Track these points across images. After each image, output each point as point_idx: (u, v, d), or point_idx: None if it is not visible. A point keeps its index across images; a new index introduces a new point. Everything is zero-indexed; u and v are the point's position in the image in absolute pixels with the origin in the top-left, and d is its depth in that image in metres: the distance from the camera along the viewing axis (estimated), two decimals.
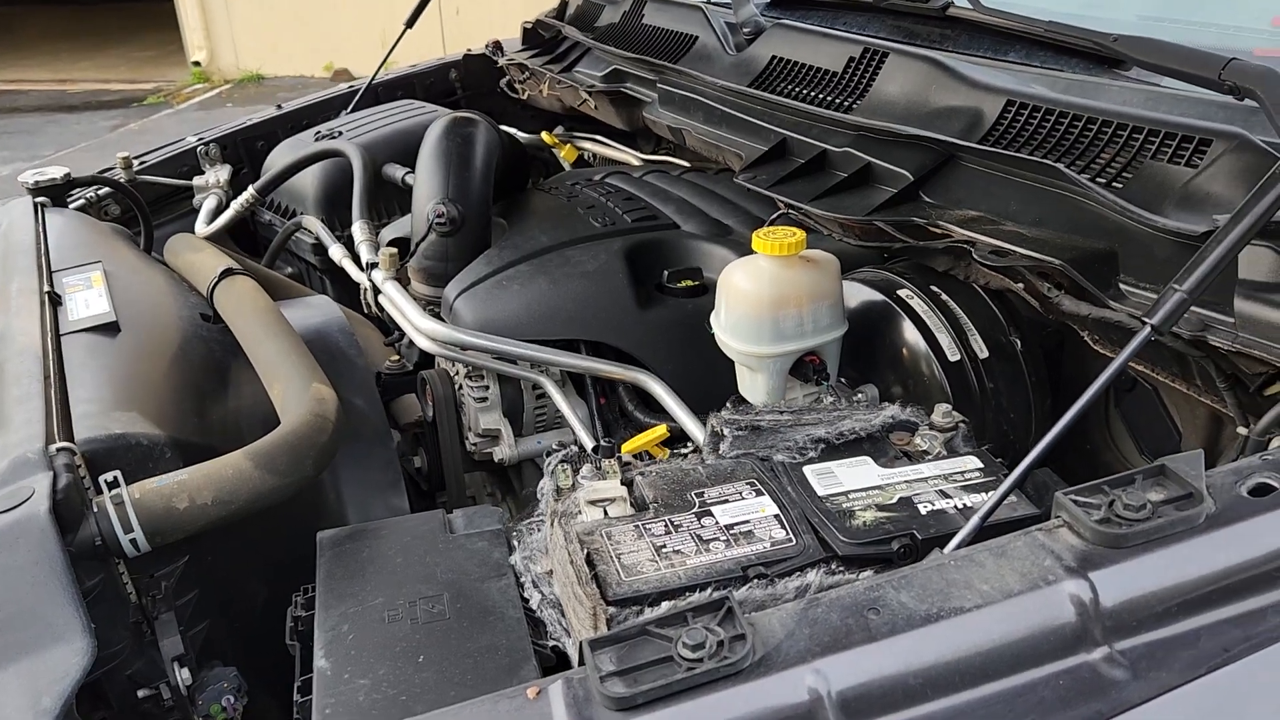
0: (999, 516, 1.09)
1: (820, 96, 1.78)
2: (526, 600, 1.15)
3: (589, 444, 1.69)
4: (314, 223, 2.21)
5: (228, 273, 1.72)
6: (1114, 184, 1.36)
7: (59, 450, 1.17)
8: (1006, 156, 1.43)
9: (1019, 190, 1.44)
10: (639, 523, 1.12)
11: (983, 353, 1.52)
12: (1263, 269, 1.19)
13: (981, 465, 1.20)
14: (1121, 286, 1.28)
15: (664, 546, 1.08)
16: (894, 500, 1.14)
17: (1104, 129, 1.41)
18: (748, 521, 1.11)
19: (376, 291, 1.83)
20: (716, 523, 1.11)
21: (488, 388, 1.78)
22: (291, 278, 2.48)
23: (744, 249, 1.88)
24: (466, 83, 3.13)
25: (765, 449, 1.23)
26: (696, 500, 1.15)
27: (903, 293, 1.56)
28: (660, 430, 1.64)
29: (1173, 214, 1.28)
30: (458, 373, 1.82)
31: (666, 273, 1.86)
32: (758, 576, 1.03)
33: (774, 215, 1.69)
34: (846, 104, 1.72)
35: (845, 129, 1.68)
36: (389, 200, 2.43)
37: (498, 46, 2.96)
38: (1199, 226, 1.24)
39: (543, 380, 1.75)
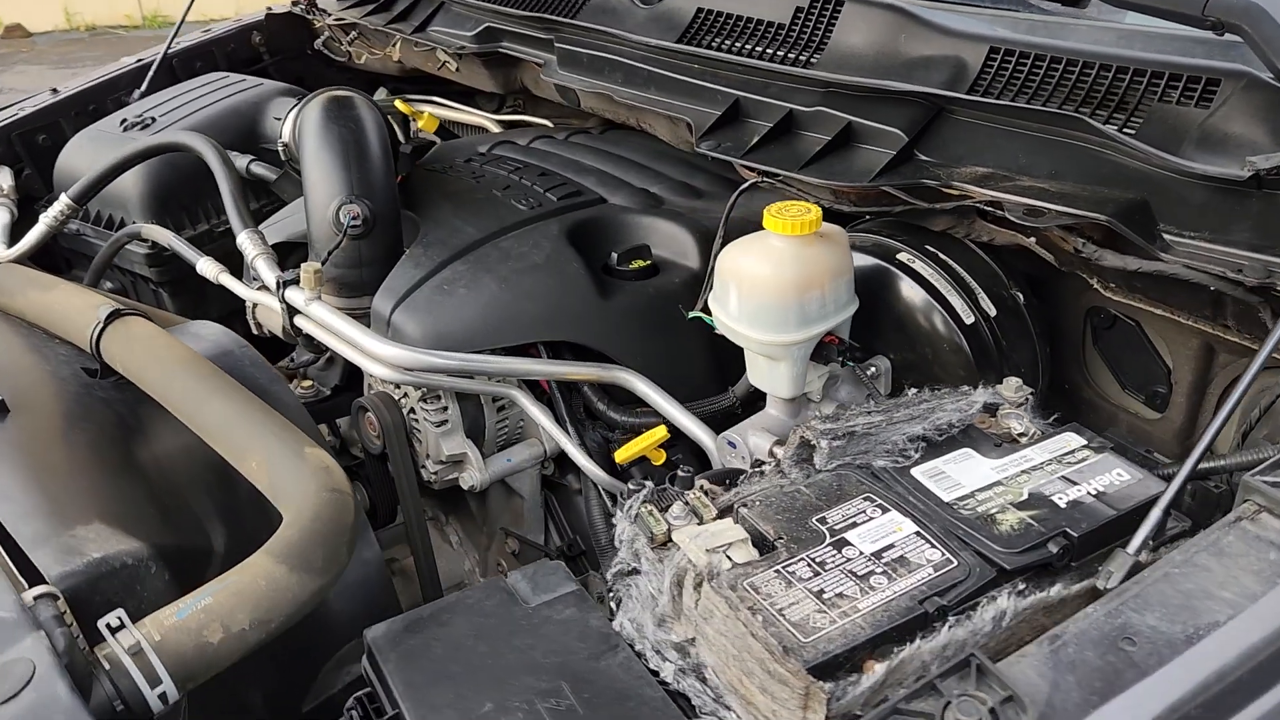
0: (1124, 496, 1.06)
1: (769, 51, 1.65)
2: (657, 673, 1.00)
3: (581, 459, 1.53)
4: (161, 232, 1.86)
5: (115, 315, 1.40)
6: (1125, 130, 1.33)
7: (37, 599, 0.89)
8: (1017, 109, 1.37)
9: (1025, 143, 1.39)
10: (777, 567, 0.99)
11: (992, 311, 1.48)
12: None
13: (1083, 440, 1.15)
14: (1166, 237, 1.27)
15: (822, 592, 0.96)
16: (1024, 496, 1.07)
17: (1104, 73, 1.38)
18: (893, 546, 1.01)
19: (292, 313, 1.56)
20: (861, 553, 1.00)
21: (446, 409, 1.57)
22: (117, 293, 2.11)
23: (688, 221, 1.76)
24: (272, 46, 2.76)
25: (861, 456, 1.13)
26: (823, 528, 1.04)
27: (903, 256, 1.49)
28: (660, 431, 1.51)
29: (1197, 157, 1.27)
30: (405, 395, 1.59)
31: (615, 255, 1.70)
32: (941, 611, 0.94)
33: (744, 185, 1.56)
34: (804, 59, 1.61)
35: (811, 86, 1.57)
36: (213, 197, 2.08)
37: (312, 4, 2.61)
38: (1230, 169, 1.23)
39: (514, 394, 1.55)
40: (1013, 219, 1.31)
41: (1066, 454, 1.13)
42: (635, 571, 1.08)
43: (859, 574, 0.98)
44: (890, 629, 0.92)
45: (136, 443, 1.29)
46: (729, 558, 1.00)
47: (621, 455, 1.52)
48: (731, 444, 1.45)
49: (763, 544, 1.03)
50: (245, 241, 1.64)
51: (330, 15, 2.47)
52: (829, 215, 1.44)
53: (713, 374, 1.72)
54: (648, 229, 1.77)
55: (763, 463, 1.23)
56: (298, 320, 1.56)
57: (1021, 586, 0.96)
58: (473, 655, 1.02)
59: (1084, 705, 0.78)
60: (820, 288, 1.36)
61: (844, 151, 1.49)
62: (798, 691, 0.86)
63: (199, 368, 1.31)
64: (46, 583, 0.92)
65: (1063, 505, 1.05)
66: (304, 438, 1.18)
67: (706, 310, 1.48)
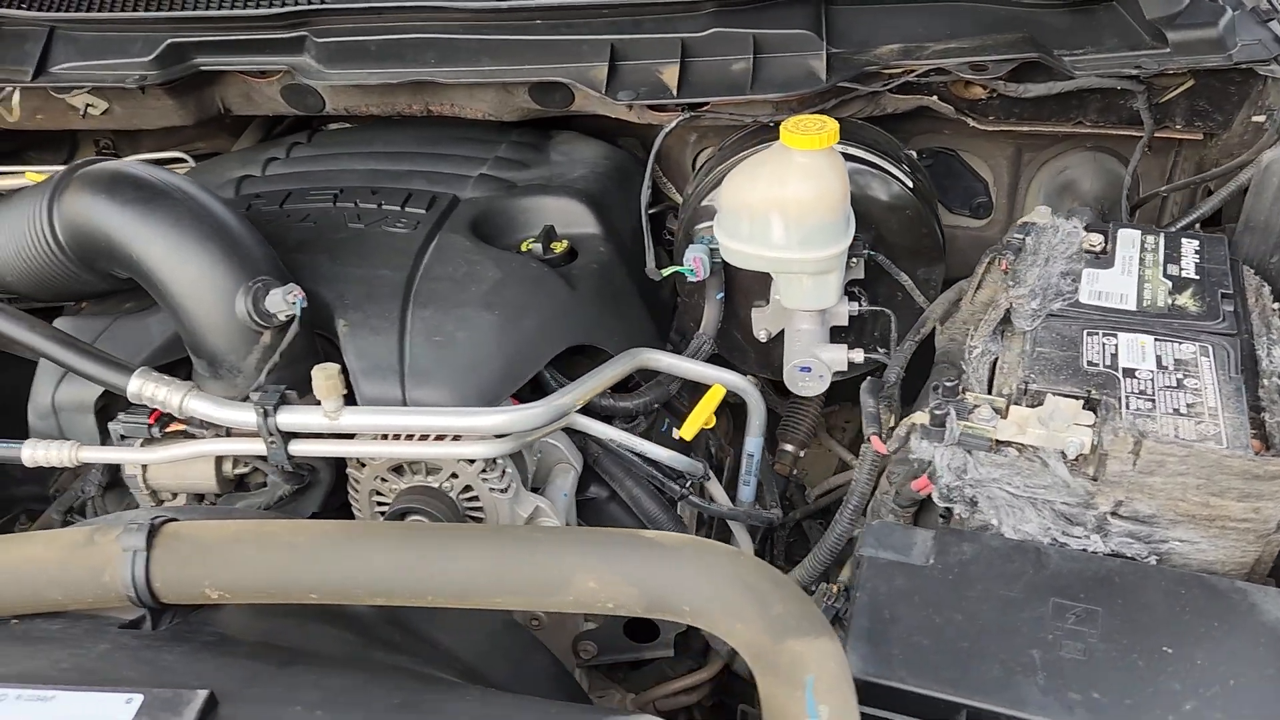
0: None
1: None
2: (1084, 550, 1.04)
3: (662, 453, 1.41)
4: None
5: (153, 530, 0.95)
6: None
7: None
8: None
9: (915, 14, 1.55)
10: (1134, 410, 1.08)
11: (911, 173, 1.63)
12: None
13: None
14: (1065, 59, 1.52)
15: (1178, 410, 1.08)
16: (1168, 283, 1.27)
17: None
18: (1156, 356, 1.16)
19: (287, 439, 1.17)
20: (1150, 371, 1.13)
21: (506, 472, 1.32)
22: None
23: (560, 190, 1.65)
24: None
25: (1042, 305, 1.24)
26: (1103, 369, 1.14)
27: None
28: (719, 390, 1.46)
29: None
30: (453, 476, 1.30)
31: (537, 245, 1.53)
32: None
33: (671, 125, 1.50)
34: None
35: (686, 13, 1.54)
36: None
37: None
38: None
39: (589, 422, 1.37)
40: (956, 78, 1.47)
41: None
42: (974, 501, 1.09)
43: (1174, 385, 1.11)
44: (1252, 405, 1.08)
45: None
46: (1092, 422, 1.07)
47: (690, 430, 1.44)
48: (805, 369, 1.45)
49: (1087, 404, 1.11)
50: (151, 386, 1.18)
51: None
52: (772, 129, 1.48)
53: (656, 332, 1.67)
54: (530, 210, 1.62)
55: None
56: (302, 446, 1.19)
57: None
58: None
59: None
60: (847, 191, 1.40)
61: (767, 63, 1.51)
62: None
63: (367, 531, 0.98)
64: None
65: (1191, 275, 1.28)
66: (613, 530, 0.97)
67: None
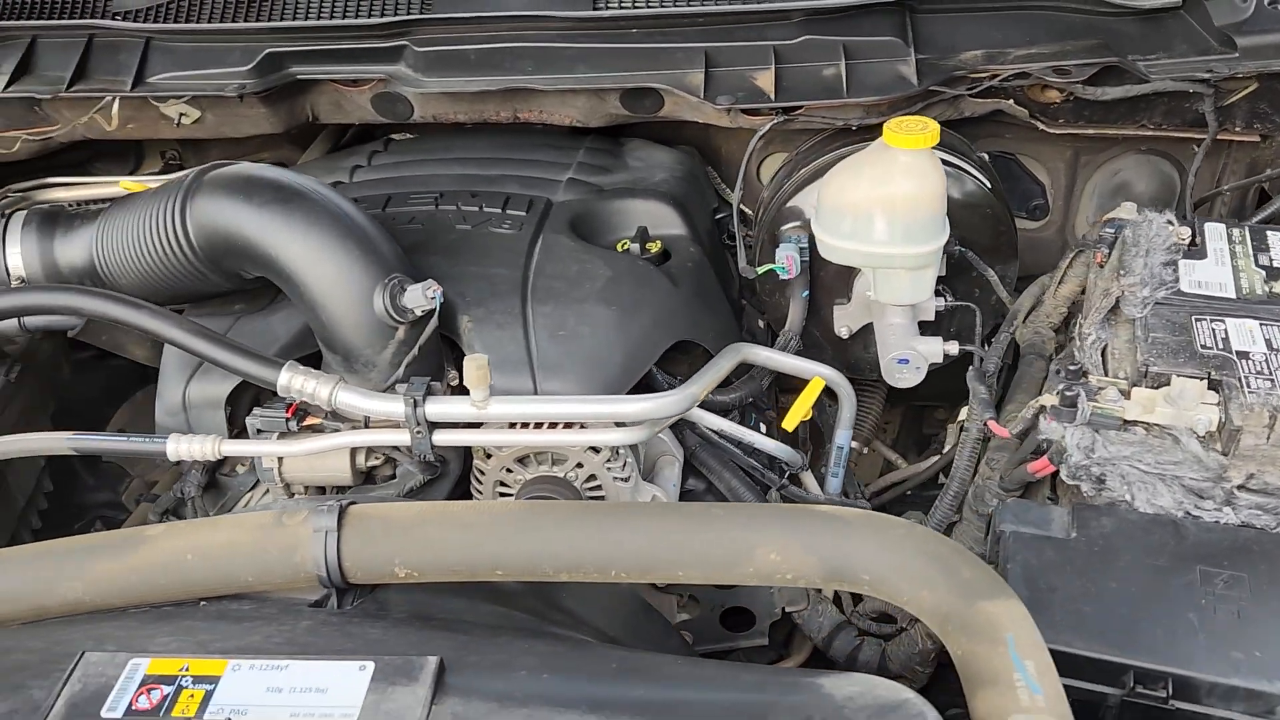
0: None
1: None
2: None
3: (776, 447, 1.46)
4: None
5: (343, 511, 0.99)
6: None
7: None
8: None
9: (993, 21, 1.61)
10: (1256, 389, 1.14)
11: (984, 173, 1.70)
12: None
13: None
14: (1139, 65, 1.59)
15: None
16: (1261, 271, 1.34)
17: None
18: (1266, 339, 1.22)
19: (433, 428, 1.21)
20: (1262, 353, 1.19)
21: (627, 462, 1.36)
22: None
23: (647, 193, 1.69)
24: None
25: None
26: (1218, 351, 1.20)
27: None
28: (819, 382, 1.50)
29: None
30: (579, 466, 1.34)
31: (635, 246, 1.58)
32: None
33: (764, 129, 1.56)
34: None
35: (775, 20, 1.59)
36: None
37: None
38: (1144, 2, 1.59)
39: (706, 415, 1.41)
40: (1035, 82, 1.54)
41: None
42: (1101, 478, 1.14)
43: None
44: None
45: None
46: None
47: (793, 421, 1.49)
48: (904, 360, 1.50)
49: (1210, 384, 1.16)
50: (300, 379, 1.21)
51: None
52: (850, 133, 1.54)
53: (739, 329, 1.72)
54: (620, 212, 1.66)
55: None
56: (445, 436, 1.22)
57: None
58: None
59: None
60: (946, 189, 1.46)
61: (858, 69, 1.57)
62: None
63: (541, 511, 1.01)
64: None
65: None
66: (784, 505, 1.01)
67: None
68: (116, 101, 1.68)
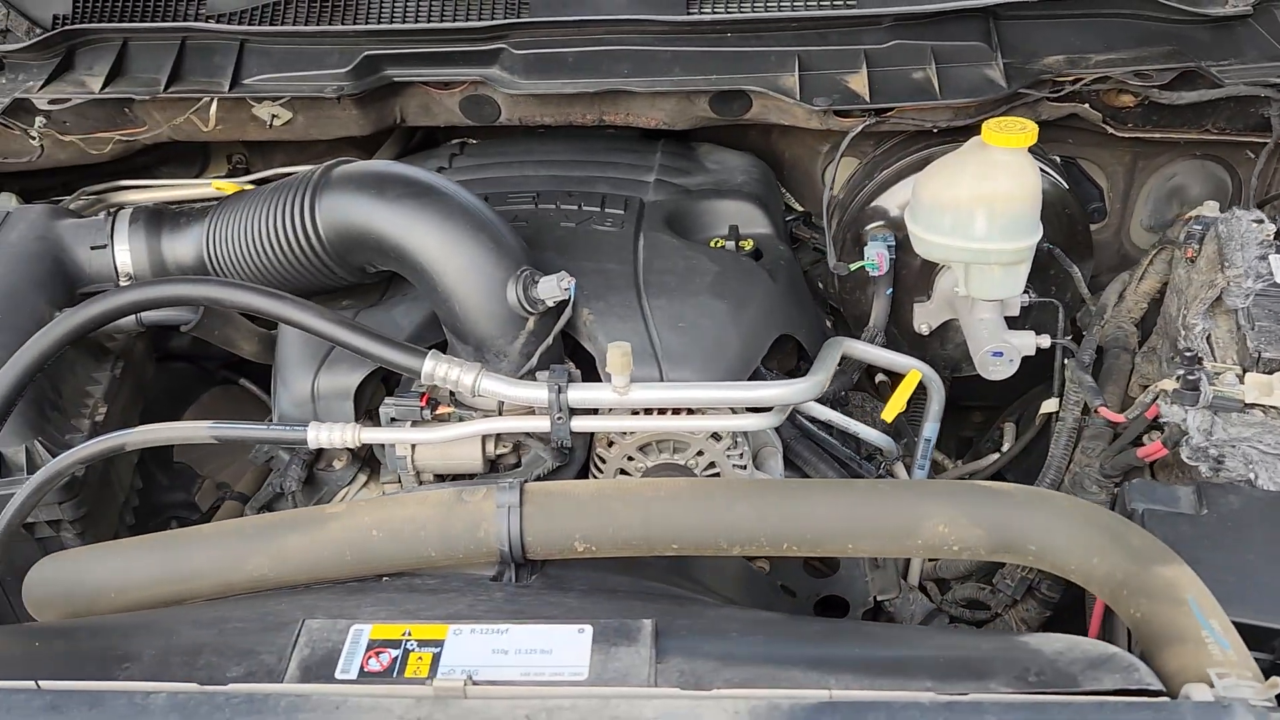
0: None
1: (788, 2, 1.67)
2: None
3: (877, 435, 1.50)
4: None
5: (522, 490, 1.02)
6: None
7: None
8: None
9: (1072, 27, 1.67)
10: None
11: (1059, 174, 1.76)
12: None
13: None
14: (1213, 70, 1.65)
15: None
16: None
17: None
18: None
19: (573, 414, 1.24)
20: None
21: (744, 451, 1.40)
22: None
23: (733, 194, 1.74)
24: None
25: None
26: None
27: None
28: (915, 374, 1.55)
29: (1207, 5, 1.67)
30: (699, 454, 1.37)
31: (725, 242, 1.62)
32: None
33: (855, 130, 1.61)
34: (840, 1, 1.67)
35: (865, 25, 1.65)
36: None
37: None
38: (1240, 8, 1.65)
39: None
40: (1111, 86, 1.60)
41: None
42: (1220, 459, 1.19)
43: None
44: None
45: None
46: None
47: (891, 412, 1.53)
48: (998, 354, 1.55)
49: None
50: (444, 367, 1.24)
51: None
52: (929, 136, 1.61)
53: (826, 324, 1.77)
54: (709, 212, 1.71)
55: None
56: (583, 422, 1.25)
57: None
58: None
59: None
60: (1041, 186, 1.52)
61: (947, 72, 1.62)
62: None
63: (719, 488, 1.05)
64: None
65: None
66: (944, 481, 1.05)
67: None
68: (215, 103, 1.71)
